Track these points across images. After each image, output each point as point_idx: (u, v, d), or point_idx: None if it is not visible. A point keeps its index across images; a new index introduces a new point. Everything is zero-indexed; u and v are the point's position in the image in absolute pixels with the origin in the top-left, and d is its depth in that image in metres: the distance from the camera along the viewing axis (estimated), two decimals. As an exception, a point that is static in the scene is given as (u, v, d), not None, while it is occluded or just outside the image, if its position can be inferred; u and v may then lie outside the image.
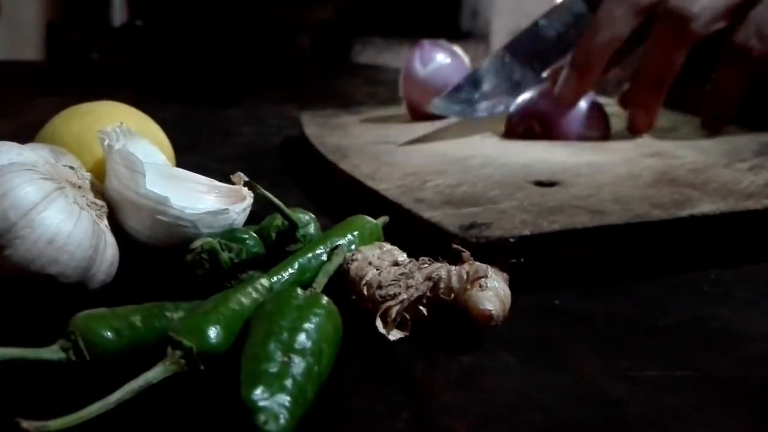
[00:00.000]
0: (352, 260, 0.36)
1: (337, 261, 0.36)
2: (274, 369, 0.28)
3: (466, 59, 0.72)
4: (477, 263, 0.35)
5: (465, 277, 0.34)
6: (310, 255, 0.38)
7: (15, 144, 0.39)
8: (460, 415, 0.30)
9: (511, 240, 0.40)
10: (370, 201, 0.48)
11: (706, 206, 0.45)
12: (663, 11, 0.59)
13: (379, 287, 0.35)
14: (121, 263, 0.39)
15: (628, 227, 0.43)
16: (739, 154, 0.57)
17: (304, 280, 0.36)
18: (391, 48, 1.76)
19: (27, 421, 0.26)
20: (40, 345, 0.31)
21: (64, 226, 0.36)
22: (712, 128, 0.63)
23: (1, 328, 0.36)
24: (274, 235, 0.39)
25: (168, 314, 0.33)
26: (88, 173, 0.41)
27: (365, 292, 0.35)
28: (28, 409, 0.27)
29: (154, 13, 1.74)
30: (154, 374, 0.29)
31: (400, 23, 1.87)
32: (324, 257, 0.37)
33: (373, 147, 0.60)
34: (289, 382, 0.27)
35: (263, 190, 0.37)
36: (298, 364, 0.28)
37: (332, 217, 0.45)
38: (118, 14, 1.89)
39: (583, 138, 0.62)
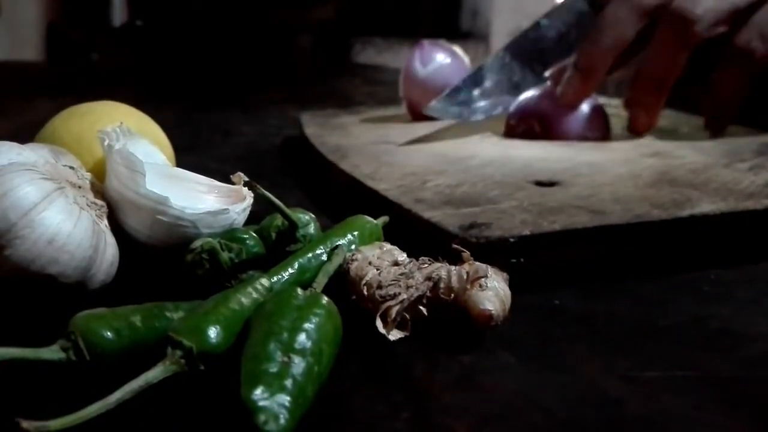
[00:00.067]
0: (352, 260, 0.36)
1: (337, 261, 0.36)
2: (274, 369, 0.28)
3: (466, 59, 0.72)
4: (477, 263, 0.35)
5: (465, 277, 0.34)
6: (310, 255, 0.37)
7: (15, 144, 0.39)
8: (460, 415, 0.30)
9: (511, 240, 0.40)
10: (370, 201, 0.48)
11: (706, 206, 0.45)
12: (666, 13, 0.59)
13: (379, 287, 0.35)
14: (121, 263, 0.39)
15: (628, 227, 0.43)
16: (739, 154, 0.57)
17: (304, 280, 0.36)
18: (391, 48, 1.77)
19: (27, 421, 0.26)
20: (40, 345, 0.31)
21: (64, 226, 0.36)
22: (715, 130, 0.63)
23: (1, 328, 0.36)
24: (274, 235, 0.39)
25: (168, 314, 0.33)
26: (88, 173, 0.41)
27: (365, 292, 0.35)
28: (28, 409, 0.27)
29: (154, 13, 1.74)
30: (154, 374, 0.29)
31: (400, 23, 1.87)
32: (324, 257, 0.37)
33: (373, 147, 0.60)
34: (289, 382, 0.27)
35: (263, 190, 0.37)
36: (298, 364, 0.28)
37: (332, 217, 0.45)
38: (118, 14, 1.89)
39: (583, 138, 0.62)
